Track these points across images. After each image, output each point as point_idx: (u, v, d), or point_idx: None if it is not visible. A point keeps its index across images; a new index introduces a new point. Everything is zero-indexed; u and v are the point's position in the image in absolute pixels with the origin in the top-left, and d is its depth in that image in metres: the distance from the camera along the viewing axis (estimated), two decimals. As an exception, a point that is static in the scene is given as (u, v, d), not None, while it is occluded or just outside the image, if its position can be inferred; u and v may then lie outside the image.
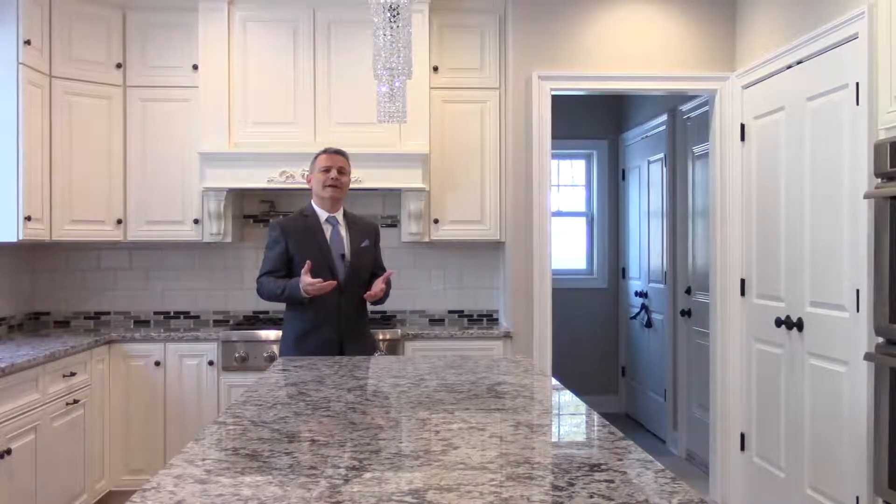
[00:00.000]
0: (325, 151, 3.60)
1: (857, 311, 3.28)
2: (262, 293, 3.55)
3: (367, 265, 3.61)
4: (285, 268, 3.51)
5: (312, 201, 3.61)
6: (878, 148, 3.09)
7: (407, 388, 2.57)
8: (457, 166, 4.68)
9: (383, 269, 3.72)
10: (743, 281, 4.37)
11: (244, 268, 4.94)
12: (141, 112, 4.61)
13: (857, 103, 3.29)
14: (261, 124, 4.53)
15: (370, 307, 3.73)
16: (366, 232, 3.65)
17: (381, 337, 4.38)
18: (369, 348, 3.65)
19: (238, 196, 4.78)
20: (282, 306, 3.58)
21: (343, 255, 3.52)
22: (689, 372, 5.36)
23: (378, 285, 3.50)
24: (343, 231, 3.58)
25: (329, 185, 3.52)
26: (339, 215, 3.60)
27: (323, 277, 3.42)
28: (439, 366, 3.07)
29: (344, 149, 4.41)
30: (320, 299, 3.45)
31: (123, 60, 4.59)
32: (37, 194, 4.18)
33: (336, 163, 3.55)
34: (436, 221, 4.66)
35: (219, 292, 4.95)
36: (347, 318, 3.51)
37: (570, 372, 5.47)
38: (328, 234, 3.55)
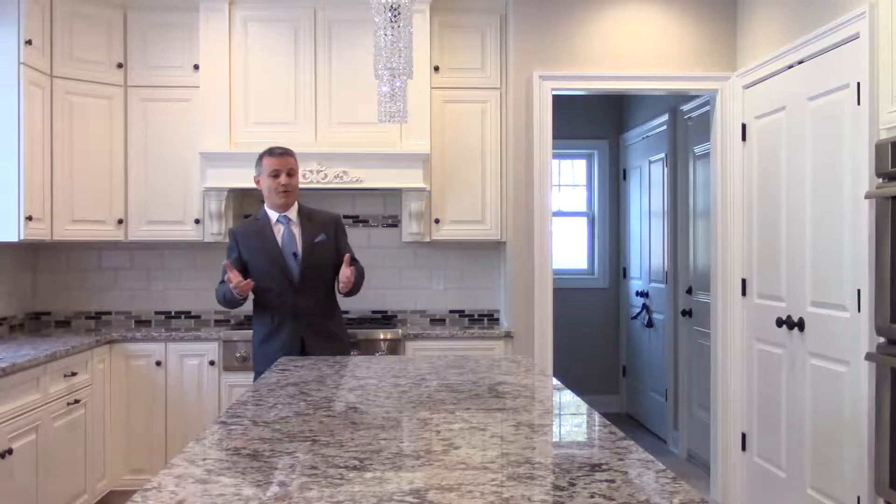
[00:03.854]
0: (272, 154, 3.50)
1: (859, 311, 3.28)
2: (217, 300, 3.53)
3: (325, 260, 3.51)
4: (242, 274, 3.44)
5: (264, 203, 3.55)
6: (879, 148, 3.09)
7: (408, 387, 2.57)
8: (457, 166, 4.68)
9: (354, 259, 3.55)
10: (744, 281, 4.37)
11: (245, 268, 4.94)
12: (142, 112, 4.61)
13: (858, 103, 3.29)
14: (262, 124, 4.53)
15: (343, 303, 3.63)
16: (322, 226, 3.54)
17: (381, 337, 4.38)
18: (342, 350, 3.54)
19: (239, 196, 4.78)
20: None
21: (295, 254, 3.47)
22: (689, 372, 5.36)
23: (344, 273, 3.39)
24: (296, 229, 3.51)
25: (282, 192, 3.45)
26: (293, 213, 3.52)
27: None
28: (440, 366, 3.07)
29: (344, 149, 4.45)
30: (278, 301, 3.44)
31: (124, 60, 4.59)
32: (38, 194, 4.18)
33: (284, 166, 3.47)
34: (437, 221, 4.66)
35: (220, 292, 4.95)
36: (307, 317, 3.45)
37: (570, 372, 5.47)
38: (280, 235, 3.49)
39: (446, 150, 4.66)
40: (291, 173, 3.49)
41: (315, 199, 4.93)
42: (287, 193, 3.47)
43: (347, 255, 3.43)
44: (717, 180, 4.59)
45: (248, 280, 3.34)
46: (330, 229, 3.56)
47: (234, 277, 3.30)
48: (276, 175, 3.46)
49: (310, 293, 3.47)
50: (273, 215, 3.51)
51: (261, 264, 3.47)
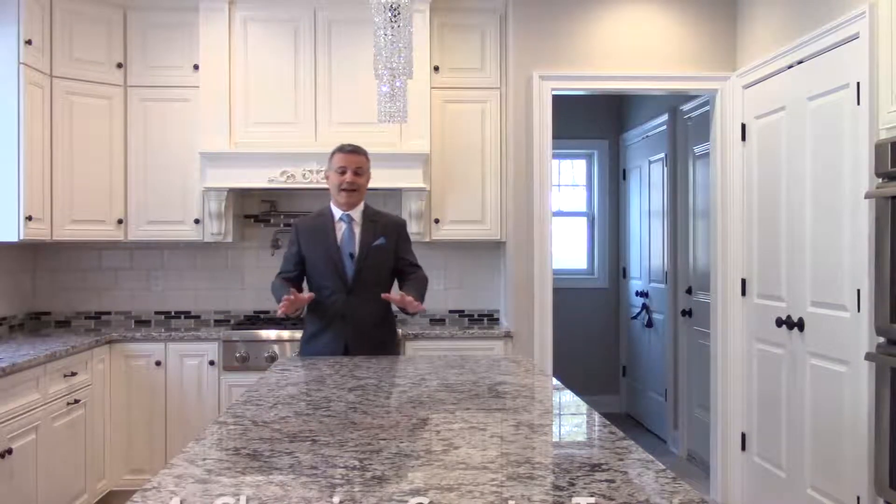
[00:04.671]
0: (342, 150, 3.43)
1: (858, 310, 3.28)
2: (272, 291, 3.48)
3: (380, 264, 3.44)
4: (298, 268, 3.45)
5: (331, 200, 3.49)
6: (878, 148, 3.09)
7: (408, 387, 2.57)
8: (457, 166, 4.68)
9: (415, 266, 3.52)
10: (744, 281, 4.37)
11: (245, 267, 4.94)
12: (142, 112, 4.61)
13: (858, 103, 3.29)
14: (261, 124, 4.53)
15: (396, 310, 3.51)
16: (384, 229, 3.47)
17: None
18: (386, 353, 3.44)
19: (239, 196, 4.78)
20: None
21: (352, 255, 3.40)
22: (689, 372, 5.36)
23: (394, 299, 3.30)
24: (357, 229, 3.43)
25: (344, 189, 3.38)
26: (357, 213, 3.45)
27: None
28: (440, 365, 3.07)
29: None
30: (329, 301, 3.38)
31: (124, 60, 4.59)
32: (38, 194, 4.18)
33: (352, 163, 3.39)
34: (436, 221, 4.66)
35: (219, 292, 4.95)
36: (355, 321, 3.37)
37: (570, 372, 5.45)
38: (340, 234, 3.42)
39: (446, 150, 4.66)
40: (359, 172, 3.40)
41: (315, 199, 4.94)
42: (350, 192, 3.39)
43: (391, 295, 3.28)
44: (716, 180, 4.59)
45: (300, 296, 3.27)
46: (392, 234, 3.47)
47: (287, 307, 3.21)
48: (342, 171, 3.38)
49: (362, 296, 3.38)
50: (337, 213, 3.44)
51: (318, 261, 3.42)
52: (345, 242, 3.42)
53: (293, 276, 3.47)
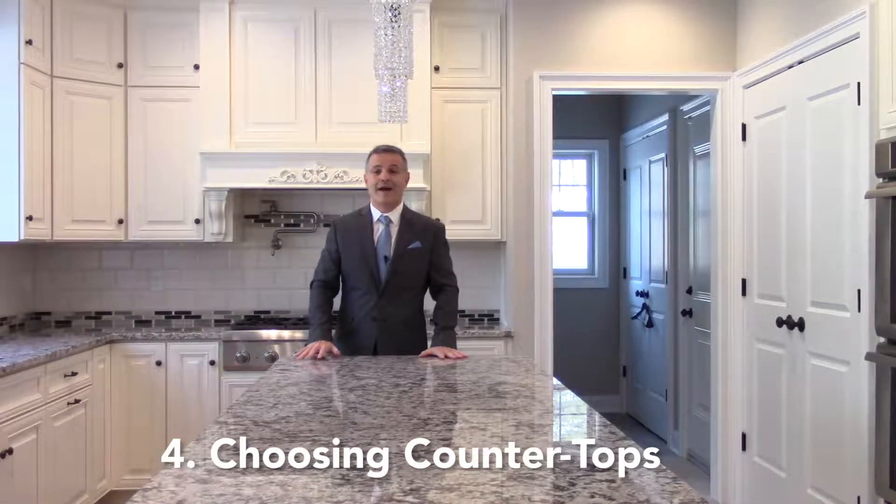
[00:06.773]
0: (377, 150, 3.40)
1: (859, 311, 3.28)
2: (310, 301, 3.48)
3: (414, 269, 3.42)
4: (336, 267, 3.43)
5: (370, 200, 3.47)
6: (879, 148, 3.09)
7: (408, 387, 2.57)
8: (458, 166, 4.68)
9: (449, 274, 3.50)
10: (744, 281, 4.37)
11: (245, 267, 4.94)
12: (142, 112, 4.61)
13: (859, 103, 3.29)
14: (262, 124, 4.53)
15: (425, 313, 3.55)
16: (420, 233, 3.44)
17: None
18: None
19: (239, 196, 4.78)
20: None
21: (386, 257, 3.38)
22: (690, 372, 5.36)
23: (432, 354, 3.30)
24: (393, 231, 3.40)
25: (381, 189, 3.35)
26: (395, 215, 3.41)
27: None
28: (440, 365, 3.07)
29: (345, 149, 4.44)
30: (361, 301, 3.39)
31: (124, 60, 4.59)
32: (38, 194, 4.18)
33: (386, 161, 3.36)
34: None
35: (220, 292, 4.95)
36: (386, 322, 3.37)
37: (571, 372, 5.45)
38: (377, 235, 3.40)
39: (446, 150, 4.66)
40: (394, 170, 3.37)
41: (315, 199, 4.94)
42: (386, 191, 3.36)
43: (430, 359, 3.25)
44: (717, 180, 4.59)
45: (317, 354, 3.24)
46: (428, 238, 3.44)
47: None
48: (377, 171, 3.35)
49: (393, 299, 3.38)
50: (375, 214, 3.42)
51: (353, 261, 3.41)
52: (381, 244, 3.40)
53: (334, 274, 3.45)
